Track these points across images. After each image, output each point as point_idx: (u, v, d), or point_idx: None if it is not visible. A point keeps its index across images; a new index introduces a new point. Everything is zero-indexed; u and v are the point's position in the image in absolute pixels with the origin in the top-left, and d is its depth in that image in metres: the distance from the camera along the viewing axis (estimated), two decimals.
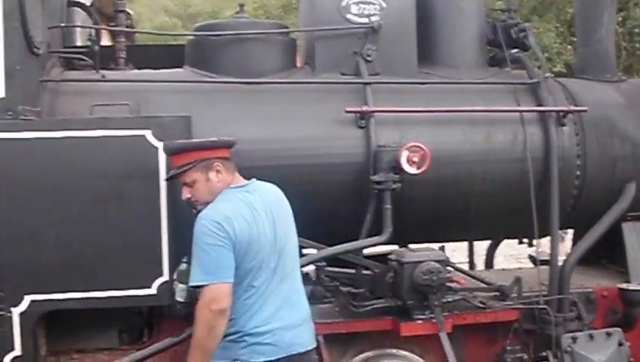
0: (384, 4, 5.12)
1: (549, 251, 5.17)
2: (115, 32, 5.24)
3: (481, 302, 4.97)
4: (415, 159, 4.66)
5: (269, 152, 4.70)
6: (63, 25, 5.19)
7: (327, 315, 4.80)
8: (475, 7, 5.46)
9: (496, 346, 5.09)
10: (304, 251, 4.67)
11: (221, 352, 3.65)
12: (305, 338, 3.86)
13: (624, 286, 5.17)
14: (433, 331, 4.70)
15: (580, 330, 5.01)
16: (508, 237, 5.91)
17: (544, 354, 4.95)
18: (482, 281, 5.29)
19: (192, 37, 5.22)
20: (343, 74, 5.08)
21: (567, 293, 5.06)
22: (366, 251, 4.98)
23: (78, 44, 5.81)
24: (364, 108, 4.82)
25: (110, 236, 4.16)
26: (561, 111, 5.22)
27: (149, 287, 4.21)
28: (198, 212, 3.75)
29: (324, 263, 4.73)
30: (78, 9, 5.64)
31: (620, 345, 4.99)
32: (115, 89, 4.69)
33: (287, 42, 5.23)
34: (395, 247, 5.08)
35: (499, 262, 6.92)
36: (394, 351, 4.88)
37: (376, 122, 4.83)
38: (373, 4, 5.11)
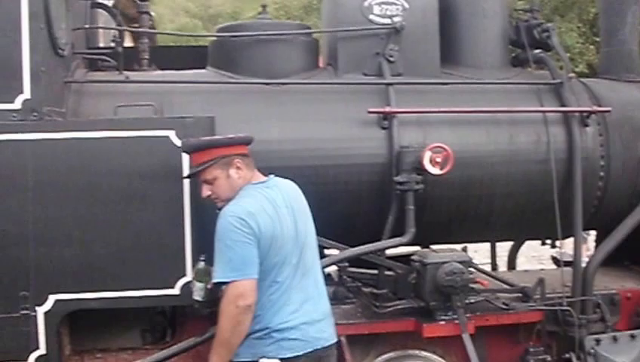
0: (407, 5, 5.11)
1: (570, 252, 5.15)
2: (138, 34, 5.27)
3: (503, 304, 4.95)
4: (438, 160, 4.65)
5: (292, 153, 4.70)
6: (87, 26, 5.23)
7: (349, 316, 4.81)
8: (498, 7, 5.43)
9: (519, 348, 5.07)
10: (326, 252, 4.66)
11: (246, 349, 3.66)
12: (328, 332, 3.86)
13: None
14: (456, 332, 4.69)
15: (604, 332, 5.00)
16: (530, 238, 5.90)
17: (567, 355, 4.94)
18: (505, 282, 5.28)
19: (214, 38, 5.24)
20: (366, 74, 5.07)
21: (590, 295, 5.03)
22: (388, 252, 4.97)
23: (101, 45, 5.86)
24: (387, 109, 4.82)
25: (134, 236, 4.18)
26: (585, 111, 5.19)
27: (172, 287, 4.22)
28: (219, 209, 3.76)
29: (346, 264, 4.72)
30: (101, 10, 5.67)
31: None
32: (139, 90, 4.72)
33: (310, 43, 5.23)
34: (417, 248, 5.07)
35: (521, 263, 6.90)
36: (416, 352, 4.87)
37: (398, 123, 4.82)
38: (396, 4, 5.10)
